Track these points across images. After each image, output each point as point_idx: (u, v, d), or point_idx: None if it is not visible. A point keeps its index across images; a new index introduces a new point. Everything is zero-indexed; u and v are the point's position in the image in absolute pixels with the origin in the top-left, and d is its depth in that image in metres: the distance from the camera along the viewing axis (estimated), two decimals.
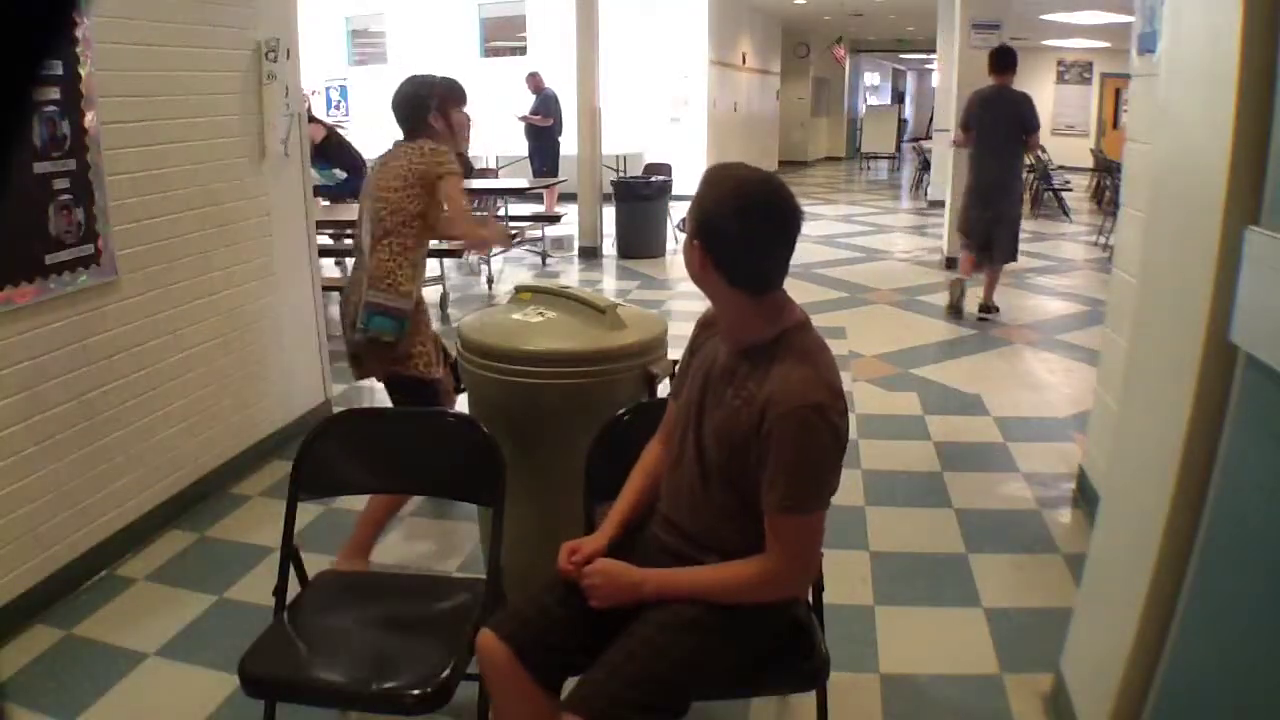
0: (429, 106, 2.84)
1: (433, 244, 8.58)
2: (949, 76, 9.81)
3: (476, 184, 9.03)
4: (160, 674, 2.38)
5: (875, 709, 2.23)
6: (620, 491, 1.81)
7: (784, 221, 1.54)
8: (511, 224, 8.74)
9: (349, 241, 6.56)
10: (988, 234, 5.68)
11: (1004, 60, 5.55)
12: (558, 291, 2.55)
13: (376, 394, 4.58)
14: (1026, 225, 9.70)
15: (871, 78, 26.21)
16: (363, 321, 2.74)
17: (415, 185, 2.75)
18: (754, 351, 1.58)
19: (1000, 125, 5.50)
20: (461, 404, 2.61)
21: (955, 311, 5.97)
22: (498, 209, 8.44)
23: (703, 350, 1.72)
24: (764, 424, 1.50)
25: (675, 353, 1.88)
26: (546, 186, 9.60)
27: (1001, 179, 5.60)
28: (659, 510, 1.75)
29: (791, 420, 1.48)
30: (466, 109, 3.00)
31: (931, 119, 13.59)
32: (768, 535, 1.54)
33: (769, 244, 1.55)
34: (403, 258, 2.78)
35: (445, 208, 2.84)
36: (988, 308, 5.96)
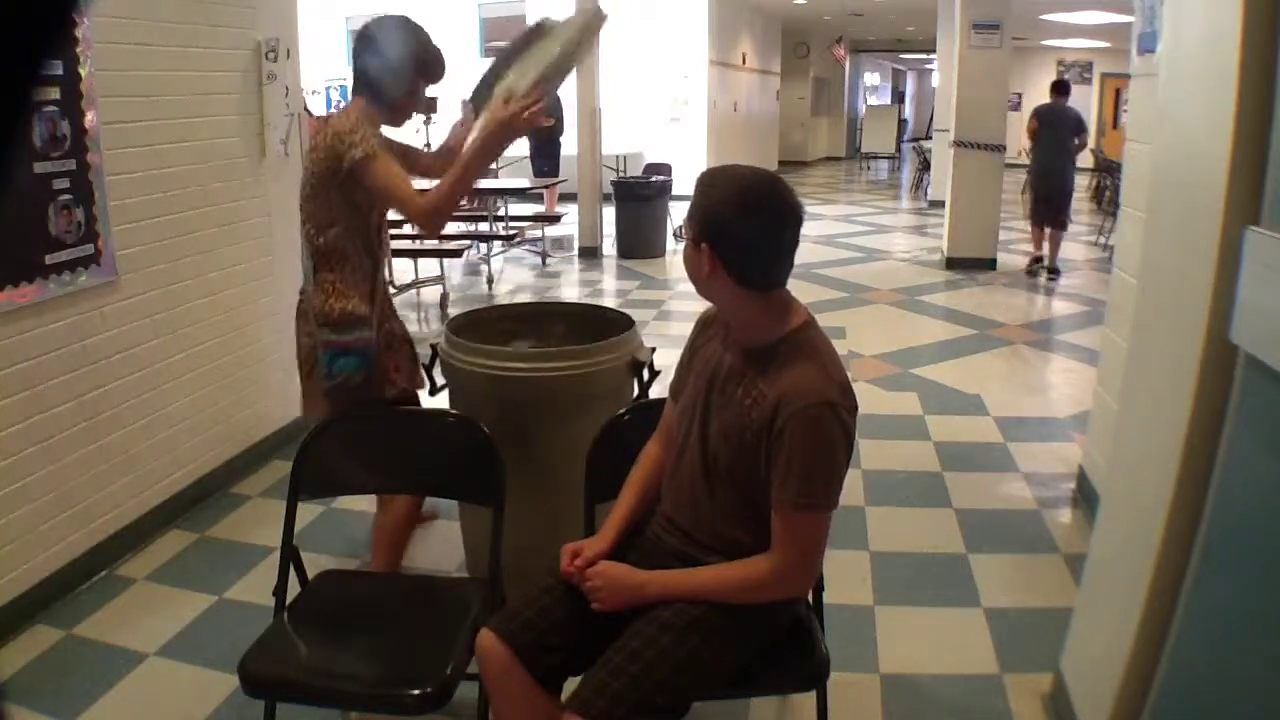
0: (413, 67, 2.30)
1: (430, 243, 8.51)
2: (949, 76, 9.80)
3: (479, 184, 9.04)
4: (160, 674, 2.38)
5: (875, 709, 2.23)
6: (620, 492, 1.81)
7: (789, 216, 1.55)
8: (511, 224, 8.75)
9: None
10: (1044, 207, 7.56)
11: (1060, 88, 7.74)
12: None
13: None
14: (1026, 225, 9.85)
15: (871, 78, 26.21)
16: (325, 364, 2.33)
17: (323, 189, 2.23)
18: (763, 351, 1.59)
19: (1054, 131, 7.44)
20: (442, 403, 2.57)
21: (1031, 274, 7.63)
22: (498, 209, 8.44)
23: (704, 350, 1.72)
24: (776, 422, 1.51)
25: (674, 352, 1.88)
26: (547, 187, 9.60)
27: (1054, 167, 7.52)
28: (660, 511, 1.75)
29: (805, 418, 1.49)
30: (426, 72, 2.40)
31: (931, 119, 13.58)
32: (777, 533, 1.54)
33: (777, 239, 1.55)
34: (340, 275, 2.31)
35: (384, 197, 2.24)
36: (1053, 270, 7.56)
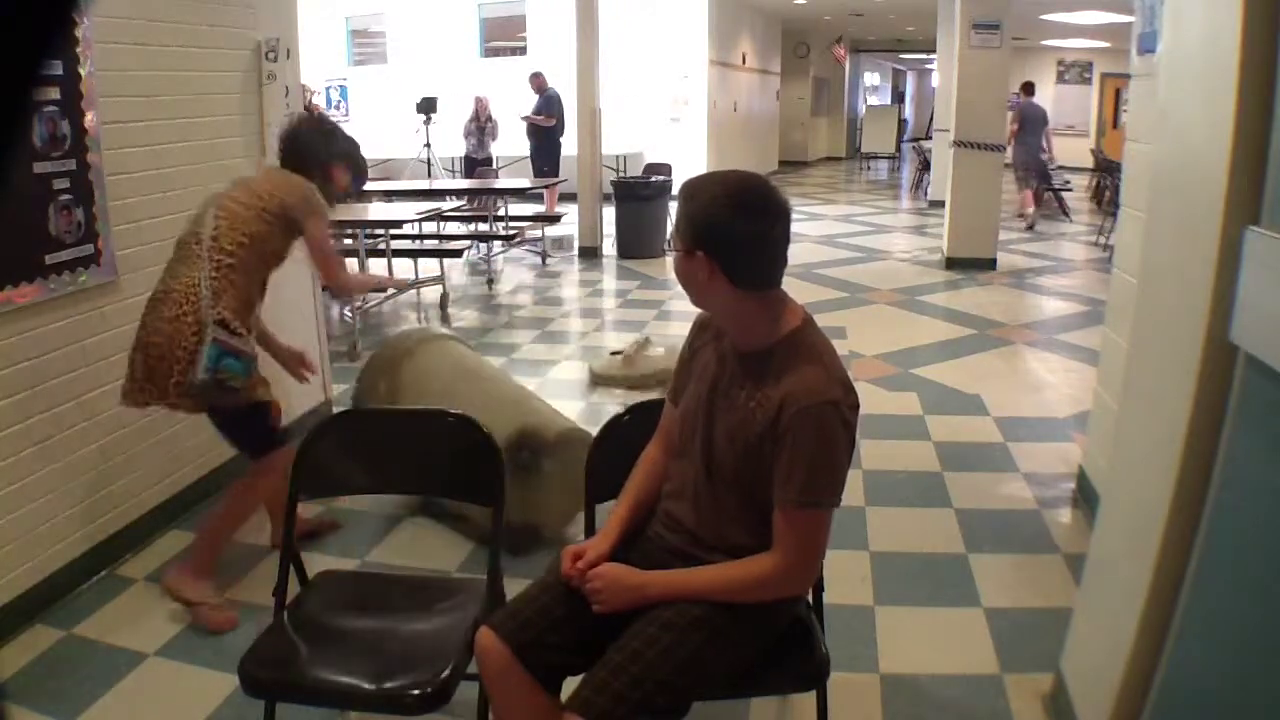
0: (323, 155, 2.68)
1: (430, 243, 8.50)
2: (949, 76, 9.80)
3: (481, 185, 9.05)
4: (160, 674, 2.38)
5: (875, 709, 2.23)
6: (620, 494, 1.81)
7: (777, 211, 1.56)
8: (511, 224, 8.75)
9: (348, 242, 6.57)
10: (1031, 174, 10.50)
11: (1029, 88, 10.88)
12: None
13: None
14: (1026, 226, 9.88)
15: (871, 78, 26.21)
16: (210, 360, 2.37)
17: (273, 212, 2.52)
18: (763, 353, 1.59)
19: (1028, 122, 10.30)
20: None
21: (1030, 228, 10.15)
22: (498, 209, 8.44)
23: (703, 353, 1.72)
24: (780, 422, 1.52)
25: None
26: (547, 186, 9.60)
27: (1030, 149, 10.34)
28: (662, 510, 1.75)
29: (808, 417, 1.51)
30: (353, 181, 2.82)
31: (931, 119, 13.58)
32: (779, 531, 1.55)
33: (768, 237, 1.56)
34: (227, 283, 2.44)
35: (310, 252, 2.67)
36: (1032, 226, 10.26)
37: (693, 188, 1.58)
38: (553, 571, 1.69)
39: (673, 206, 9.46)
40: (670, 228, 8.55)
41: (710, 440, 1.63)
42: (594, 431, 1.96)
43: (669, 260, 8.23)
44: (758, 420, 1.55)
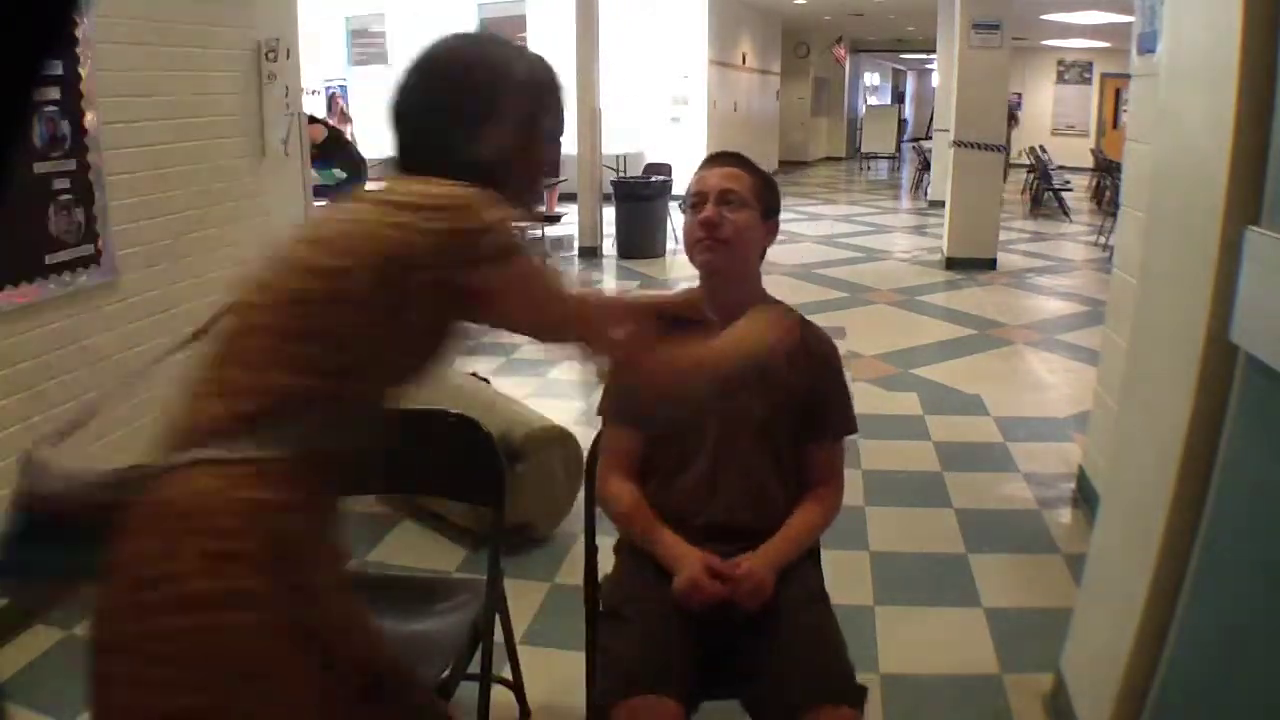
0: (499, 108, 1.22)
1: None
2: (949, 76, 9.81)
3: None
4: None
5: (875, 709, 2.22)
6: (641, 521, 1.70)
7: None
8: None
9: None
10: None
11: None
12: None
13: None
14: (1026, 225, 10.18)
15: (871, 78, 26.20)
16: None
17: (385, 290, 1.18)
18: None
19: None
20: None
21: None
22: None
23: None
24: (829, 363, 1.74)
25: None
26: (547, 187, 9.60)
27: None
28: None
29: (838, 357, 1.78)
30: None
31: (931, 119, 13.58)
32: (825, 465, 1.73)
33: None
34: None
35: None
36: None
37: (748, 162, 1.76)
38: (646, 604, 1.60)
39: (673, 206, 9.47)
40: (671, 226, 8.60)
41: (742, 428, 1.66)
42: (593, 432, 1.95)
43: (669, 260, 8.16)
44: (806, 378, 1.68)
